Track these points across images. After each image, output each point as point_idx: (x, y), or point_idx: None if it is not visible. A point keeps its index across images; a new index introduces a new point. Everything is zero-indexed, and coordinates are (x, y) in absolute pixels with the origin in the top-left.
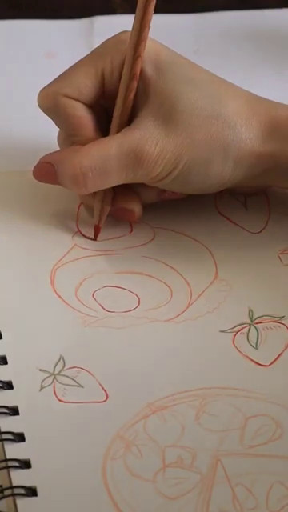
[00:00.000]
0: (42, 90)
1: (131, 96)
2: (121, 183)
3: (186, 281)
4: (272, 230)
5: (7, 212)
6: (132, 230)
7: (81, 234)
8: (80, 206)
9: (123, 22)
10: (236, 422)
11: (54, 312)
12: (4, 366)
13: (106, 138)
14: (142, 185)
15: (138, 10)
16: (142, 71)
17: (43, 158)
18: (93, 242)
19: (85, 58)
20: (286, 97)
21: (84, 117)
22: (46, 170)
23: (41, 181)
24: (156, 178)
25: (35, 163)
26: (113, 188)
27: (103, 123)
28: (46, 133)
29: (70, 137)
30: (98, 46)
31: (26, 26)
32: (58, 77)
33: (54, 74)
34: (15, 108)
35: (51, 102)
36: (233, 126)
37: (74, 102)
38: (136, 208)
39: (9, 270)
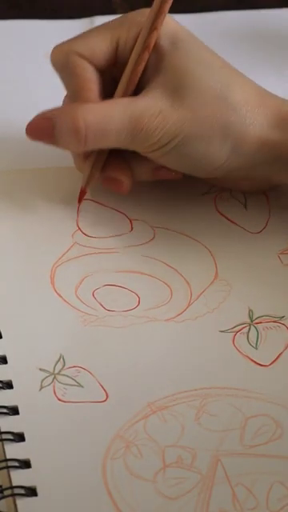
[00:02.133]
0: (56, 46)
1: (141, 66)
2: (118, 146)
3: (185, 281)
4: (272, 230)
5: (7, 210)
6: (132, 229)
7: (81, 231)
8: (80, 203)
9: None
10: (236, 421)
11: (54, 311)
12: (4, 365)
13: (112, 99)
14: (137, 159)
15: None
16: (158, 44)
17: (40, 113)
18: (93, 240)
19: (103, 24)
20: (286, 97)
21: (91, 80)
22: (43, 125)
23: (34, 138)
24: (152, 146)
25: (35, 163)
26: (106, 155)
27: (110, 91)
28: None
29: (74, 96)
30: (119, 16)
31: (25, 25)
32: (75, 36)
33: (54, 74)
34: (15, 108)
35: (63, 58)
36: (238, 110)
37: (84, 62)
38: (125, 179)
39: (8, 269)
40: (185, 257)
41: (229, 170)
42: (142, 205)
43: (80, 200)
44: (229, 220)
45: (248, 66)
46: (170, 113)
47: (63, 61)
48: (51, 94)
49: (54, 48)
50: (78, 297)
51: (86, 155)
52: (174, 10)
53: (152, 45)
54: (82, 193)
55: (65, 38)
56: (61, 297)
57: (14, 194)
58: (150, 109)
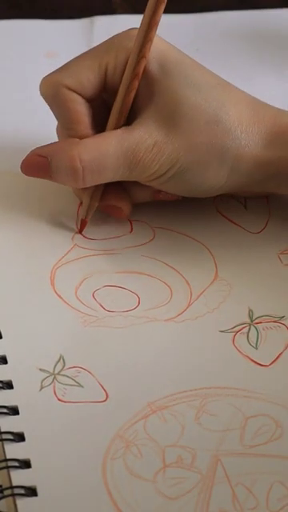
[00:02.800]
0: (44, 78)
1: (131, 95)
2: (116, 180)
3: (185, 281)
4: (272, 230)
5: (7, 212)
6: (132, 230)
7: (81, 233)
8: (80, 205)
9: (123, 22)
10: (236, 421)
11: (54, 312)
12: (4, 365)
13: (106, 133)
14: (136, 184)
15: (147, 9)
16: (147, 70)
17: (35, 150)
18: (93, 242)
19: (90, 50)
20: (286, 97)
21: (82, 112)
22: (38, 163)
23: (29, 174)
24: (150, 176)
25: None
26: (103, 184)
27: (102, 117)
28: (46, 132)
29: (66, 130)
30: (105, 41)
31: (26, 25)
32: (62, 66)
33: None
34: (15, 108)
35: (52, 92)
36: (233, 132)
37: (74, 94)
38: (124, 206)
39: (9, 270)
40: (185, 257)
41: (229, 190)
42: (142, 205)
43: (81, 230)
44: (229, 220)
45: (248, 66)
46: (165, 143)
47: (52, 94)
48: None
49: (43, 80)
50: (78, 298)
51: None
52: (174, 9)
53: (141, 73)
54: (83, 223)
55: (65, 38)
56: (61, 298)
57: (13, 196)
58: (145, 141)
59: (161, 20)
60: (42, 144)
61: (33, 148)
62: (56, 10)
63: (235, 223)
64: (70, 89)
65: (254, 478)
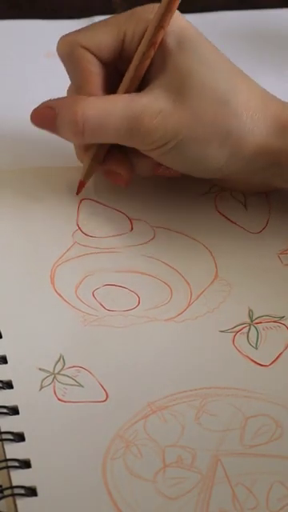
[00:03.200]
0: (63, 36)
1: (145, 63)
2: (117, 142)
3: (185, 280)
4: (272, 230)
5: (7, 209)
6: (132, 229)
7: (81, 231)
8: (81, 202)
9: None
10: (236, 421)
11: (54, 311)
12: (4, 365)
13: (114, 95)
14: (138, 155)
15: None
16: (164, 42)
17: (45, 102)
18: (93, 239)
19: (111, 17)
20: (286, 97)
21: (95, 73)
22: (46, 114)
23: (38, 125)
24: (151, 145)
25: (35, 161)
26: (106, 148)
27: (114, 84)
28: (46, 132)
29: (77, 89)
30: (127, 11)
31: (26, 25)
32: (82, 28)
33: (54, 73)
34: (15, 108)
35: (69, 50)
36: (239, 115)
37: (89, 55)
38: (125, 173)
39: (9, 268)
40: (185, 257)
41: (227, 173)
42: (143, 204)
43: (78, 192)
44: (229, 220)
45: (248, 66)
46: (171, 113)
47: (68, 52)
48: (51, 93)
49: (60, 39)
50: (78, 296)
51: (87, 147)
52: None
53: (158, 42)
54: (81, 184)
55: None
56: (61, 296)
57: (14, 194)
58: (151, 108)
59: None
60: (43, 143)
61: (33, 147)
62: (56, 10)
63: (235, 223)
64: (86, 49)
65: (254, 478)
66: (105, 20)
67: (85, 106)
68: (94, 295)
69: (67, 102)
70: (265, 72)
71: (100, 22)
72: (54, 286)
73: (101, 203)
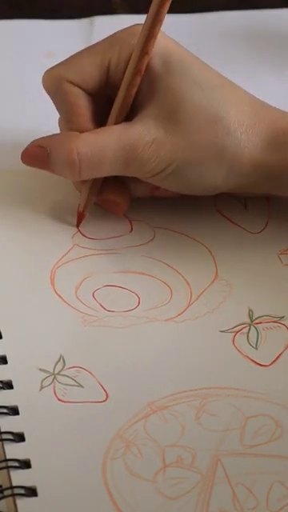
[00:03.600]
0: (47, 71)
1: (133, 91)
2: (113, 174)
3: (185, 281)
4: (272, 230)
5: (7, 211)
6: (132, 230)
7: (81, 233)
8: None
9: (123, 22)
10: (236, 421)
11: (54, 311)
12: (4, 365)
13: (105, 128)
14: (135, 180)
15: (152, 5)
16: (150, 66)
17: (35, 141)
18: (93, 241)
19: (93, 45)
20: (286, 97)
21: (83, 106)
22: (38, 154)
23: (29, 164)
24: (148, 173)
25: None
26: (102, 178)
27: (105, 112)
28: (46, 133)
29: (67, 123)
30: (109, 36)
31: (26, 25)
32: (65, 60)
33: None
34: (15, 108)
35: (54, 85)
36: (232, 132)
37: (76, 89)
38: (122, 201)
39: (9, 270)
40: (185, 257)
41: (227, 190)
42: (142, 205)
43: (78, 224)
44: (229, 220)
45: (248, 66)
46: (164, 141)
47: (54, 88)
48: None
49: (46, 73)
50: (78, 297)
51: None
52: (175, 9)
53: (143, 69)
54: (81, 216)
55: (65, 38)
56: (61, 297)
57: (13, 195)
58: (144, 137)
59: None
60: None
61: None
62: (56, 10)
63: (235, 223)
64: (71, 83)
65: (254, 478)
66: (88, 49)
67: (78, 144)
68: (94, 296)
69: (59, 141)
70: (265, 72)
71: (83, 51)
72: (53, 287)
73: (100, 205)
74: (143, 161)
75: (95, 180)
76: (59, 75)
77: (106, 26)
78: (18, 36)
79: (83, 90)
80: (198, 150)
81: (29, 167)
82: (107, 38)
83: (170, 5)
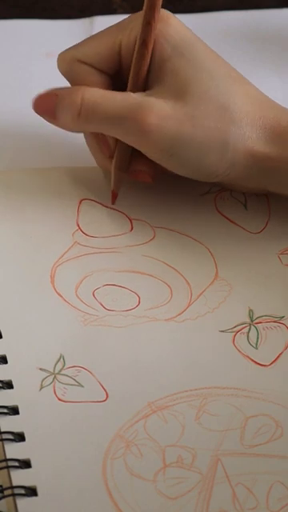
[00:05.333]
0: (60, 54)
1: (142, 63)
2: (113, 135)
3: (186, 280)
4: (272, 230)
5: (7, 210)
6: (132, 229)
7: (81, 231)
8: (81, 202)
9: None
10: (236, 421)
11: (54, 311)
12: (4, 365)
13: (115, 91)
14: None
15: None
16: (162, 48)
17: (50, 89)
18: (93, 239)
19: (106, 29)
20: (286, 97)
21: (98, 82)
22: (48, 100)
23: (38, 111)
24: (152, 147)
25: (35, 161)
26: (129, 155)
27: None
28: (46, 132)
29: None
30: (121, 20)
31: (25, 25)
32: (79, 43)
33: (54, 73)
34: (15, 108)
35: (67, 66)
36: (238, 121)
37: (87, 67)
38: (151, 170)
39: (9, 268)
40: (185, 257)
41: (226, 179)
42: (142, 205)
43: (113, 202)
44: (229, 220)
45: (248, 66)
46: (170, 117)
47: (67, 69)
48: None
49: (59, 56)
50: (78, 296)
51: (111, 155)
52: (175, 9)
53: (150, 41)
54: (114, 195)
55: (65, 38)
56: (61, 296)
57: (14, 194)
58: (150, 105)
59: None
60: (43, 144)
61: (33, 148)
62: (56, 10)
63: (235, 223)
64: (84, 63)
65: (254, 478)
66: (99, 32)
67: (85, 91)
68: (94, 295)
69: (70, 89)
70: (265, 72)
71: (95, 34)
72: (54, 286)
73: (101, 203)
74: (145, 129)
75: (122, 157)
76: (72, 56)
77: (106, 26)
78: (18, 36)
79: (96, 68)
80: (202, 132)
81: (29, 167)
82: (118, 22)
83: (171, 5)
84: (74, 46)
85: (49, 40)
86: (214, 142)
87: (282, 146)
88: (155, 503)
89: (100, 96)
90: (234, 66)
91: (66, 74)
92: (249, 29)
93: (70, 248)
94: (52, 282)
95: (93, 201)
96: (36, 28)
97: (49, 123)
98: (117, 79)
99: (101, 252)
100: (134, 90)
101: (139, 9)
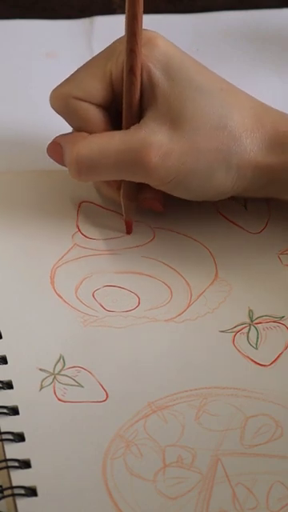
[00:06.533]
0: (53, 92)
1: (133, 91)
2: (119, 178)
3: (185, 281)
4: (272, 230)
5: (8, 211)
6: (132, 230)
7: (81, 233)
8: (80, 204)
9: (123, 22)
10: (236, 421)
11: (54, 311)
12: (4, 365)
13: (111, 132)
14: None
15: (127, 4)
16: (151, 73)
17: (57, 136)
18: (93, 241)
19: (93, 58)
20: (286, 97)
21: (94, 119)
22: (55, 150)
23: (52, 158)
24: (157, 181)
25: (35, 163)
26: (135, 184)
27: (118, 125)
28: (46, 132)
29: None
30: (107, 47)
31: (26, 25)
32: (68, 78)
33: (54, 73)
34: (15, 108)
35: (62, 105)
36: (238, 137)
37: (84, 103)
38: (159, 196)
39: (9, 270)
40: (185, 257)
41: (236, 193)
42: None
43: (128, 232)
44: (229, 220)
45: (248, 67)
46: (171, 148)
47: (63, 107)
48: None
49: (52, 93)
50: (78, 297)
51: (118, 187)
52: (175, 9)
53: (137, 67)
54: (128, 225)
55: (65, 38)
56: (61, 297)
57: (14, 196)
58: (149, 143)
59: (161, 20)
60: (43, 144)
61: (33, 148)
62: (56, 10)
63: (235, 223)
64: (79, 99)
65: (254, 478)
66: (88, 62)
67: (80, 145)
68: (94, 296)
69: (69, 140)
70: (265, 72)
71: (83, 66)
72: (54, 287)
73: (100, 205)
74: (150, 169)
75: (129, 187)
76: (65, 93)
77: (106, 25)
78: (18, 36)
79: (91, 103)
80: (205, 156)
81: (28, 167)
82: (104, 50)
83: (171, 5)
84: (66, 81)
85: (49, 40)
86: (218, 164)
87: (284, 153)
88: (155, 503)
89: (97, 149)
90: (234, 66)
91: (62, 112)
92: (249, 29)
93: (69, 250)
94: (52, 283)
95: (92, 203)
96: (36, 28)
97: (50, 124)
98: (110, 107)
99: (100, 254)
100: (129, 120)
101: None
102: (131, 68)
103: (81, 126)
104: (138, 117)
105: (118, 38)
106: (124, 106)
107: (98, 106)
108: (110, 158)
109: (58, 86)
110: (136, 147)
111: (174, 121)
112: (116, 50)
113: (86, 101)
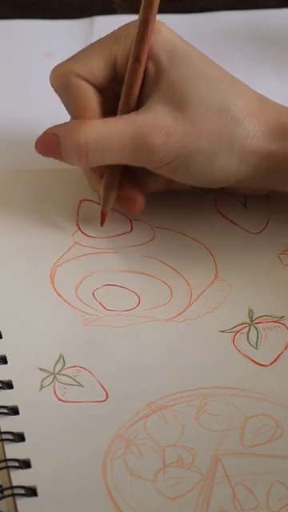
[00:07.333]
0: (54, 68)
1: (135, 80)
2: (123, 163)
3: (186, 281)
4: (272, 230)
5: (7, 210)
6: (132, 229)
7: (81, 231)
8: (80, 203)
9: (123, 22)
10: (236, 421)
11: (54, 311)
12: (4, 365)
13: (114, 117)
14: (149, 173)
15: None
16: (156, 58)
17: (50, 128)
18: (93, 240)
19: (100, 40)
20: (286, 97)
21: (91, 100)
22: (50, 141)
23: (43, 153)
24: (158, 163)
25: (35, 162)
26: (119, 175)
27: (113, 109)
28: None
29: (75, 118)
30: (114, 31)
31: (25, 25)
32: (72, 56)
33: None
34: (15, 108)
35: (62, 81)
36: (241, 122)
37: (84, 83)
38: (139, 199)
39: (9, 269)
40: (185, 257)
41: (236, 181)
42: None
43: (102, 223)
44: (229, 220)
45: (248, 66)
46: (174, 129)
47: (62, 84)
48: (51, 93)
49: (53, 70)
50: (78, 296)
51: (101, 175)
52: (175, 9)
53: (143, 56)
54: (103, 215)
55: (65, 38)
56: (61, 296)
57: (14, 195)
58: (153, 124)
59: (161, 20)
60: None
61: (33, 148)
62: (56, 10)
63: (235, 223)
64: (80, 77)
65: (254, 478)
66: (94, 43)
67: (86, 130)
68: (94, 295)
69: (69, 127)
70: (265, 72)
71: (89, 47)
72: (54, 286)
73: (100, 204)
74: (153, 149)
75: (112, 177)
76: (67, 69)
77: (106, 25)
78: (18, 36)
79: (91, 84)
80: (207, 140)
81: (28, 168)
82: (112, 32)
83: (170, 5)
84: (69, 59)
85: (49, 40)
86: (220, 147)
87: (285, 141)
88: (155, 503)
89: (103, 132)
90: (234, 66)
91: (61, 88)
92: (249, 29)
93: (69, 248)
94: (52, 282)
95: (93, 202)
96: (36, 28)
97: (50, 123)
98: (109, 92)
99: (101, 252)
100: (130, 106)
101: (139, 9)
102: (137, 57)
103: (77, 106)
104: (136, 105)
105: (126, 23)
106: (123, 92)
107: (97, 87)
108: (117, 142)
109: (59, 64)
110: (141, 130)
111: (178, 104)
112: (123, 36)
113: (87, 80)
